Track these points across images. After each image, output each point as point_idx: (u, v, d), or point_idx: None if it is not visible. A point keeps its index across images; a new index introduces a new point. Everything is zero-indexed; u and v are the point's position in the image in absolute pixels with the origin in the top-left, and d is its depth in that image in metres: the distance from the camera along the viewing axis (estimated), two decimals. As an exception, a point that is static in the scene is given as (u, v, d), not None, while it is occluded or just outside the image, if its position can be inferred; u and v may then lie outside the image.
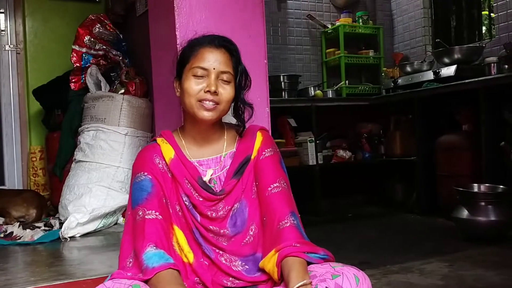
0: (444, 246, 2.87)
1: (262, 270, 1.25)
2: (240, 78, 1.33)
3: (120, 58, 3.32)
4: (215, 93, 1.26)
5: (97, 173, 2.83)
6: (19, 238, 2.52)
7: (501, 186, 3.00)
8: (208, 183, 1.31)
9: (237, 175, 1.32)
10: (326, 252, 1.22)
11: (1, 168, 3.85)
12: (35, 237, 2.49)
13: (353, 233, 3.46)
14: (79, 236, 2.55)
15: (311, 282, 1.08)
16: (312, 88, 4.38)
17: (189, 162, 1.32)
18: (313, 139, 4.05)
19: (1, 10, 3.87)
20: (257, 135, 1.37)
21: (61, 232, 2.48)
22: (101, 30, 3.30)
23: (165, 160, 1.31)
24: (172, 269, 1.14)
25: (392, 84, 4.23)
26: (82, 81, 3.25)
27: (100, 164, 2.86)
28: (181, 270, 1.19)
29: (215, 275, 1.27)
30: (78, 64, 3.27)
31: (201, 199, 1.30)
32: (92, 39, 3.28)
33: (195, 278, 1.25)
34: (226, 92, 1.28)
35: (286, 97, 4.25)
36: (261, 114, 1.85)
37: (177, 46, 1.78)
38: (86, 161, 2.89)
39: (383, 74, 4.58)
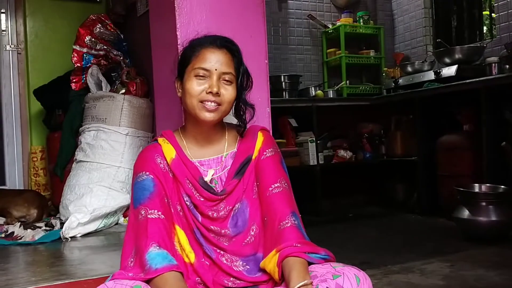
0: (445, 246, 2.87)
1: (263, 270, 1.25)
2: (241, 78, 1.33)
3: (121, 58, 3.32)
4: (217, 94, 1.25)
5: (98, 173, 2.83)
6: (20, 238, 2.52)
7: (502, 186, 3.00)
8: (209, 183, 1.31)
9: (238, 175, 1.32)
10: (327, 252, 1.22)
11: (2, 168, 3.85)
12: (36, 237, 2.49)
13: (354, 233, 3.46)
14: (80, 236, 2.55)
15: (312, 282, 1.08)
16: (313, 88, 4.38)
17: (190, 162, 1.32)
18: (314, 139, 4.05)
19: (2, 10, 3.87)
20: (258, 135, 1.37)
21: (62, 232, 2.48)
22: (102, 30, 3.31)
23: (166, 160, 1.31)
24: (175, 271, 1.14)
25: (393, 84, 4.23)
26: (83, 81, 3.25)
27: (101, 164, 2.86)
28: (183, 270, 1.19)
29: (216, 275, 1.27)
30: (79, 64, 3.27)
31: (202, 199, 1.30)
32: (93, 39, 3.28)
33: (196, 278, 1.25)
34: (228, 93, 1.28)
35: (287, 97, 4.25)
36: (262, 114, 1.85)
37: (178, 46, 1.78)
38: (87, 161, 2.89)
39: (384, 74, 4.57)
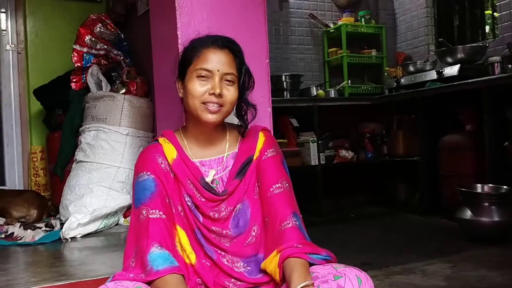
0: (447, 246, 2.86)
1: (263, 271, 1.24)
2: (243, 78, 1.32)
3: (121, 57, 3.31)
4: (219, 95, 1.25)
5: (98, 173, 2.82)
6: (20, 239, 2.52)
7: (505, 187, 2.99)
8: (210, 184, 1.31)
9: (239, 175, 1.31)
10: (328, 253, 1.21)
11: (2, 168, 3.85)
12: (36, 238, 2.48)
13: (356, 233, 3.45)
14: (80, 237, 2.55)
15: (313, 283, 1.08)
16: (314, 87, 4.37)
17: (191, 162, 1.31)
18: (315, 139, 4.05)
19: (2, 10, 3.87)
20: (259, 135, 1.37)
21: (62, 233, 2.48)
22: (102, 30, 3.30)
23: (167, 160, 1.30)
24: (177, 274, 1.13)
25: (395, 83, 4.22)
26: (83, 81, 3.24)
27: (101, 164, 2.85)
28: (184, 272, 1.19)
29: (217, 276, 1.26)
30: (79, 64, 3.26)
31: (203, 200, 1.29)
32: (93, 39, 3.27)
33: (197, 279, 1.25)
34: (230, 93, 1.27)
35: (288, 97, 4.24)
36: (263, 114, 1.84)
37: (179, 45, 1.78)
38: (87, 161, 2.89)
39: (385, 73, 4.56)
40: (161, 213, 1.22)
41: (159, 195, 1.25)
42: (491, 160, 3.25)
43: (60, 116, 3.48)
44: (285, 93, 4.25)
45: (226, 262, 1.27)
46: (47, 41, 3.90)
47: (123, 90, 3.07)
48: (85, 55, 3.25)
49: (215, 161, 1.34)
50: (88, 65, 3.24)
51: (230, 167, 1.33)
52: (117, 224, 2.86)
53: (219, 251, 1.28)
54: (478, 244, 2.81)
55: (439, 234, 3.23)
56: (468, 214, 2.90)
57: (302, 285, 1.06)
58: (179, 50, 1.75)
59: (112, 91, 3.10)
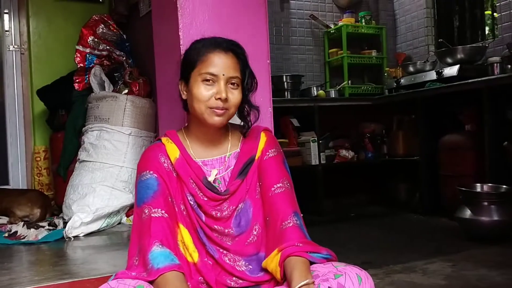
0: (447, 246, 2.87)
1: (265, 270, 1.25)
2: (247, 81, 1.33)
3: (124, 58, 3.33)
4: (225, 100, 1.26)
5: (101, 173, 2.84)
6: (23, 238, 2.53)
7: (504, 186, 2.99)
8: (212, 183, 1.32)
9: (241, 175, 1.33)
10: (329, 252, 1.23)
11: (6, 168, 3.86)
12: (39, 237, 2.50)
13: (356, 233, 3.46)
14: (83, 236, 2.55)
15: (313, 282, 1.09)
16: (314, 88, 4.38)
17: (194, 162, 1.33)
18: (316, 139, 4.06)
19: (5, 11, 3.88)
20: (261, 135, 1.38)
21: (65, 232, 2.49)
22: (104, 31, 3.31)
23: (170, 160, 1.31)
24: (177, 271, 1.14)
25: (395, 84, 4.23)
26: (86, 81, 3.26)
27: (103, 164, 2.87)
28: (185, 270, 1.20)
29: (218, 275, 1.27)
30: (82, 65, 3.27)
31: (205, 199, 1.30)
32: (95, 40, 3.29)
33: (199, 278, 1.26)
34: (234, 96, 1.29)
35: (289, 97, 4.25)
36: (264, 114, 1.85)
37: (181, 46, 1.79)
38: (90, 161, 2.90)
39: (385, 74, 4.57)
40: (163, 212, 1.24)
41: (161, 194, 1.26)
42: (491, 160, 3.26)
43: (63, 116, 3.50)
44: (286, 93, 4.26)
45: (228, 261, 1.28)
46: (50, 41, 3.91)
47: (126, 91, 3.08)
48: (87, 55, 3.27)
49: (217, 160, 1.35)
50: (91, 66, 3.25)
51: (232, 167, 1.34)
52: (119, 223, 2.87)
53: (221, 250, 1.29)
54: (478, 243, 2.82)
55: (439, 234, 3.23)
56: (468, 213, 2.91)
57: (303, 283, 1.07)
58: (181, 51, 1.76)
59: (115, 91, 3.11)
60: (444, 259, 2.54)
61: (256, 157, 1.35)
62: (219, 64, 1.27)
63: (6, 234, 2.60)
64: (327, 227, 3.61)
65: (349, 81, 4.49)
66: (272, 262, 1.21)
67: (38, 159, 3.80)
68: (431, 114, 3.85)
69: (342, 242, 3.08)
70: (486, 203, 2.87)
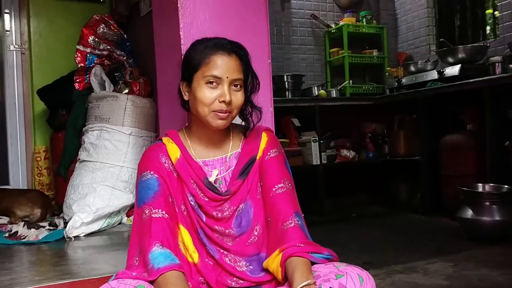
0: (449, 246, 2.87)
1: (266, 270, 1.25)
2: (250, 82, 1.33)
3: (124, 58, 3.33)
4: (229, 102, 1.25)
5: (101, 173, 2.84)
6: (24, 238, 2.53)
7: (506, 186, 2.99)
8: (213, 184, 1.31)
9: (242, 175, 1.32)
10: (330, 252, 1.22)
11: (6, 167, 3.87)
12: (40, 237, 2.50)
13: (357, 233, 3.46)
14: (84, 236, 2.56)
15: (315, 282, 1.09)
16: (315, 87, 4.38)
17: (194, 162, 1.32)
18: (317, 138, 4.05)
19: (6, 11, 3.88)
20: (262, 135, 1.38)
21: (66, 232, 2.49)
22: (105, 30, 3.31)
23: (171, 160, 1.31)
24: (177, 271, 1.14)
25: (396, 83, 4.23)
26: (86, 81, 3.26)
27: (104, 164, 2.87)
28: (185, 270, 1.20)
29: (219, 275, 1.27)
30: (82, 64, 3.28)
31: (206, 199, 1.30)
32: (96, 39, 3.29)
33: (200, 278, 1.26)
34: (237, 98, 1.28)
35: (289, 97, 4.24)
36: (265, 114, 1.83)
37: (181, 46, 1.79)
38: (91, 161, 2.90)
39: (387, 73, 4.57)
40: (163, 212, 1.23)
41: (162, 195, 1.26)
42: (493, 160, 3.26)
43: (63, 116, 3.50)
44: (287, 93, 4.25)
45: (228, 261, 1.28)
46: (51, 41, 3.92)
47: (126, 90, 3.09)
48: (88, 55, 3.27)
49: (218, 161, 1.35)
50: (91, 66, 3.25)
51: (233, 167, 1.34)
52: (120, 223, 2.87)
53: (222, 250, 1.29)
54: (479, 243, 2.81)
55: (440, 234, 3.23)
56: (469, 213, 2.90)
57: (304, 284, 1.07)
58: (182, 51, 1.76)
59: (115, 91, 3.11)
60: (445, 259, 2.53)
61: (257, 157, 1.35)
62: (223, 66, 1.26)
63: (7, 234, 2.60)
64: (328, 227, 3.61)
65: (350, 81, 4.49)
66: (274, 262, 1.20)
67: (39, 159, 3.81)
68: (433, 114, 3.85)
69: (343, 242, 3.07)
70: (487, 203, 2.87)
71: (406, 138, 4.18)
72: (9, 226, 2.80)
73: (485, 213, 2.85)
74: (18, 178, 3.87)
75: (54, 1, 3.93)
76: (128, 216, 2.87)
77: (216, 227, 1.29)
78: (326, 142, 4.27)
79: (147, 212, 1.23)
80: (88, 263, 2.02)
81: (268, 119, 1.89)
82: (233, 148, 1.37)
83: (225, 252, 1.29)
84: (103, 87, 3.14)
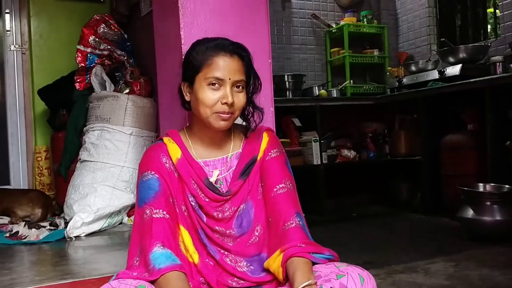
0: (449, 245, 2.86)
1: (267, 270, 1.25)
2: (252, 83, 1.33)
3: (125, 58, 3.33)
4: (231, 104, 1.25)
5: (102, 173, 2.84)
6: (25, 238, 2.53)
7: (507, 186, 2.98)
8: (214, 184, 1.31)
9: (243, 176, 1.32)
10: (331, 253, 1.22)
11: (7, 167, 3.87)
12: (41, 237, 2.50)
13: (358, 232, 3.45)
14: (84, 236, 2.56)
15: (316, 282, 1.09)
16: (316, 87, 4.38)
17: (195, 162, 1.32)
18: (318, 138, 4.05)
19: (7, 11, 3.89)
20: (263, 135, 1.38)
21: (66, 232, 2.49)
22: (105, 30, 3.32)
23: (172, 160, 1.31)
24: (178, 271, 1.14)
25: (397, 83, 4.22)
26: (87, 81, 3.26)
27: (105, 164, 2.87)
28: (186, 270, 1.20)
29: (220, 276, 1.27)
30: (83, 64, 3.28)
31: (207, 200, 1.30)
32: (97, 39, 3.29)
33: (200, 278, 1.26)
34: (239, 100, 1.28)
35: (290, 96, 4.24)
36: (265, 114, 1.82)
37: (182, 46, 1.79)
38: (91, 161, 2.90)
39: (387, 73, 4.56)
40: (164, 212, 1.23)
41: (163, 195, 1.25)
42: (493, 160, 3.25)
43: (64, 116, 3.50)
44: (287, 93, 4.25)
45: (229, 262, 1.28)
46: (51, 41, 3.92)
47: (127, 90, 3.09)
48: (89, 55, 3.27)
49: (219, 161, 1.35)
50: (92, 65, 3.25)
51: (234, 167, 1.34)
52: (121, 223, 2.87)
53: (222, 251, 1.29)
54: (480, 243, 2.81)
55: (441, 234, 3.23)
56: (470, 213, 2.90)
57: (305, 284, 1.07)
58: (183, 50, 1.76)
59: (116, 91, 3.11)
60: (446, 259, 2.53)
61: (258, 158, 1.35)
62: (226, 68, 1.25)
63: (8, 234, 2.61)
64: (329, 227, 3.61)
65: (351, 81, 4.48)
66: (275, 262, 1.20)
67: (39, 159, 3.81)
68: (433, 114, 3.85)
69: (343, 242, 3.07)
70: (488, 203, 2.86)
71: (407, 138, 4.18)
72: (10, 226, 2.80)
73: (485, 213, 2.85)
74: (19, 178, 3.87)
75: (55, 1, 3.93)
76: (128, 216, 2.87)
77: (217, 227, 1.29)
78: (326, 142, 4.27)
79: (148, 212, 1.23)
80: (89, 263, 2.02)
81: (269, 119, 1.89)
82: (234, 148, 1.37)
83: (226, 253, 1.29)
84: (103, 87, 3.14)
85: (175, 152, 1.32)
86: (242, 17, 1.91)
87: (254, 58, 1.35)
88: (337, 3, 4.90)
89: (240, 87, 1.28)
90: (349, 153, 4.28)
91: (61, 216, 3.06)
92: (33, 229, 2.64)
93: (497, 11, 4.00)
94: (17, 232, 2.62)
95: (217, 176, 1.32)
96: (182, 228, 1.28)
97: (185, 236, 1.28)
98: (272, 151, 1.35)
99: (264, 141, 1.36)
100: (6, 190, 3.28)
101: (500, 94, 3.27)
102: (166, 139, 1.35)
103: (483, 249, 2.71)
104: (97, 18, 3.34)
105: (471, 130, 3.55)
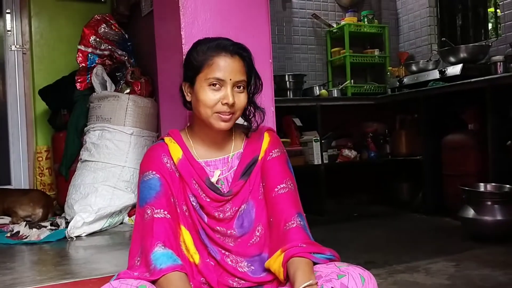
0: (451, 245, 2.86)
1: (267, 270, 1.25)
2: (253, 83, 1.33)
3: (126, 58, 3.33)
4: (232, 105, 1.25)
5: (103, 173, 2.84)
6: (26, 238, 2.54)
7: (508, 186, 2.98)
8: (215, 184, 1.31)
9: (244, 176, 1.32)
10: (332, 253, 1.22)
11: (8, 167, 3.87)
12: (42, 237, 2.50)
13: (359, 232, 3.45)
14: (85, 236, 2.56)
15: (316, 283, 1.09)
16: (317, 87, 4.38)
17: (196, 162, 1.32)
18: (318, 138, 4.05)
19: (7, 11, 3.89)
20: (265, 135, 1.38)
21: (67, 232, 2.50)
22: (106, 30, 3.32)
23: (173, 160, 1.31)
24: (180, 272, 1.14)
25: (398, 83, 4.22)
26: (87, 81, 3.26)
27: (105, 164, 2.87)
28: (187, 270, 1.20)
29: (220, 276, 1.27)
30: (83, 64, 3.28)
31: (208, 200, 1.30)
32: (97, 39, 3.29)
33: (201, 279, 1.26)
34: (240, 100, 1.28)
35: (291, 96, 4.24)
36: (266, 114, 1.84)
37: (183, 45, 1.78)
38: (92, 161, 2.91)
39: (388, 73, 4.56)
40: (165, 212, 1.23)
41: (164, 195, 1.25)
42: (494, 159, 3.25)
43: (65, 116, 3.50)
44: (288, 92, 4.25)
45: (230, 262, 1.28)
46: (52, 41, 3.92)
47: (128, 90, 3.09)
48: (89, 55, 3.27)
49: (220, 161, 1.35)
50: (92, 65, 3.26)
51: (235, 168, 1.34)
52: (121, 223, 2.88)
53: (223, 251, 1.29)
54: (481, 243, 2.81)
55: (442, 233, 3.22)
56: (471, 213, 2.90)
57: (306, 284, 1.07)
58: (183, 50, 1.76)
59: (117, 91, 3.11)
60: (447, 258, 2.53)
61: (259, 158, 1.34)
62: (227, 69, 1.25)
63: (9, 234, 2.61)
64: (330, 226, 3.60)
65: (352, 81, 4.48)
66: (275, 262, 1.20)
67: (40, 159, 3.81)
68: (434, 114, 3.84)
69: (344, 242, 3.07)
70: (489, 203, 2.86)
71: (408, 138, 4.17)
72: (11, 226, 2.80)
73: (487, 212, 2.84)
74: (19, 178, 3.87)
75: (55, 1, 3.93)
76: (129, 216, 2.87)
77: (218, 227, 1.29)
78: (327, 142, 4.27)
79: (149, 212, 1.23)
80: (90, 263, 2.02)
81: (269, 119, 1.89)
82: (235, 148, 1.37)
83: (227, 253, 1.29)
84: (104, 87, 3.14)
85: (176, 152, 1.32)
86: (243, 17, 1.91)
87: (255, 58, 1.34)
88: (338, 3, 4.90)
89: (241, 87, 1.28)
90: (350, 153, 4.28)
91: (62, 216, 3.06)
92: (34, 229, 2.64)
93: (498, 10, 4.00)
94: (18, 232, 2.62)
95: (218, 176, 1.32)
96: (183, 228, 1.28)
97: (186, 236, 1.28)
98: (273, 151, 1.35)
99: (265, 141, 1.36)
100: (7, 190, 3.28)
101: (501, 94, 3.27)
102: (167, 139, 1.35)
103: (484, 249, 2.71)
104: (98, 18, 3.34)
105: (472, 130, 3.54)
